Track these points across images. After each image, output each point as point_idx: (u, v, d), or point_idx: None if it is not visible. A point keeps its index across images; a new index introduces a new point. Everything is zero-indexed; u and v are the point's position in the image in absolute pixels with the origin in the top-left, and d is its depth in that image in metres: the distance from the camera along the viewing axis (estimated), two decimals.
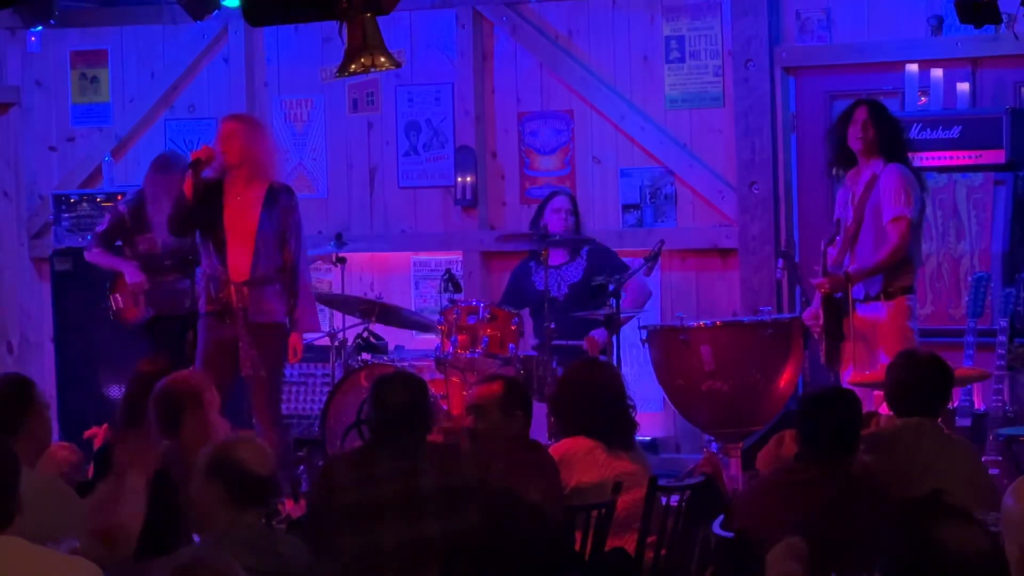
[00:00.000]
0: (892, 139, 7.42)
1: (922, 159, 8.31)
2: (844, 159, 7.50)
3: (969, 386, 7.72)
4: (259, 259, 7.63)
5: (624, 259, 8.69)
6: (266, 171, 7.76)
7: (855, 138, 7.38)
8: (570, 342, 8.20)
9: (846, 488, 4.80)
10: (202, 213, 7.65)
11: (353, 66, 7.01)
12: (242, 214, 7.67)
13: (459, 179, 9.54)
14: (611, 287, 7.98)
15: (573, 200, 8.72)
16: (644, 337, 8.09)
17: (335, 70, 7.15)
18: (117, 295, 8.76)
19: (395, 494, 4.80)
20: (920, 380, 5.57)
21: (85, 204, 9.74)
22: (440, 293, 8.56)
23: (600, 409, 5.83)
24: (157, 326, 8.71)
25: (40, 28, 9.62)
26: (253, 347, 7.58)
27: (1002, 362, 7.64)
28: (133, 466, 4.96)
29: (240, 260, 7.65)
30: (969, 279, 8.04)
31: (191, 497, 4.47)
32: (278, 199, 7.71)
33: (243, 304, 7.62)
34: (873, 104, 7.51)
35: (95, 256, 8.77)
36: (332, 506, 4.78)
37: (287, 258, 7.70)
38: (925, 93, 8.45)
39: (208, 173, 7.66)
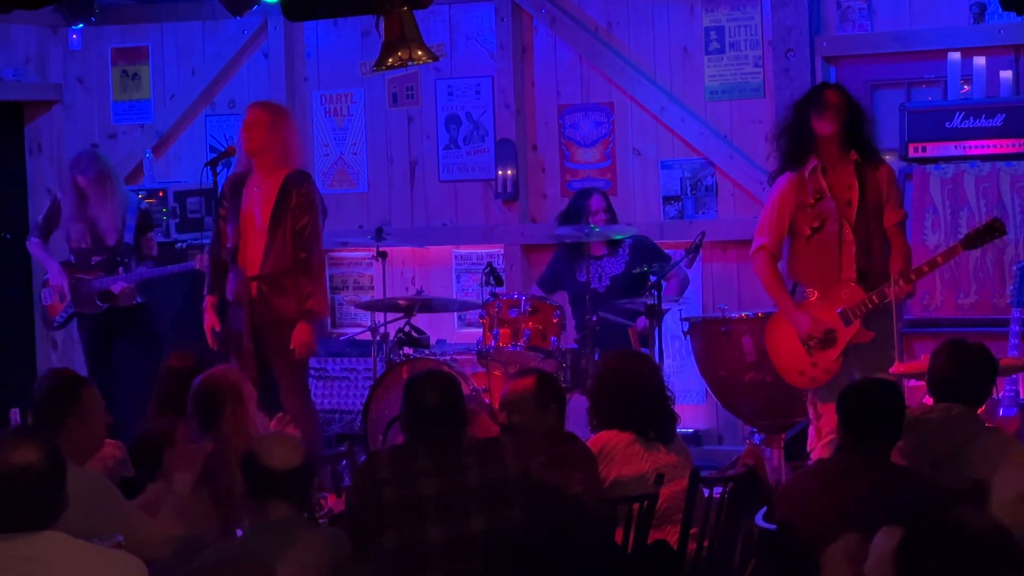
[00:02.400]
0: (863, 123, 7.04)
1: (965, 148, 8.26)
2: (808, 147, 7.02)
3: (1014, 376, 7.67)
4: (270, 254, 7.58)
5: (665, 249, 8.68)
6: (286, 161, 7.67)
7: (829, 123, 6.94)
8: (617, 319, 8.20)
9: (889, 479, 4.78)
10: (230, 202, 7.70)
11: (391, 60, 7.02)
12: (258, 207, 7.66)
13: (499, 172, 9.53)
14: (652, 278, 7.97)
15: (608, 198, 8.71)
16: (686, 329, 8.10)
17: (373, 64, 7.16)
18: (50, 289, 8.88)
19: (439, 490, 4.78)
20: (962, 369, 5.54)
21: None
22: (481, 286, 8.57)
23: (637, 401, 5.80)
24: (80, 323, 8.86)
25: (81, 26, 9.67)
26: (252, 342, 7.57)
27: None
28: (180, 468, 4.98)
29: (253, 254, 7.64)
30: (1014, 268, 7.98)
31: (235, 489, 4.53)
32: (291, 187, 7.59)
33: (251, 299, 7.60)
34: (840, 87, 7.17)
35: (32, 247, 9.01)
36: (375, 503, 4.77)
37: (302, 246, 7.56)
38: (968, 81, 8.40)
39: (235, 163, 7.72)
